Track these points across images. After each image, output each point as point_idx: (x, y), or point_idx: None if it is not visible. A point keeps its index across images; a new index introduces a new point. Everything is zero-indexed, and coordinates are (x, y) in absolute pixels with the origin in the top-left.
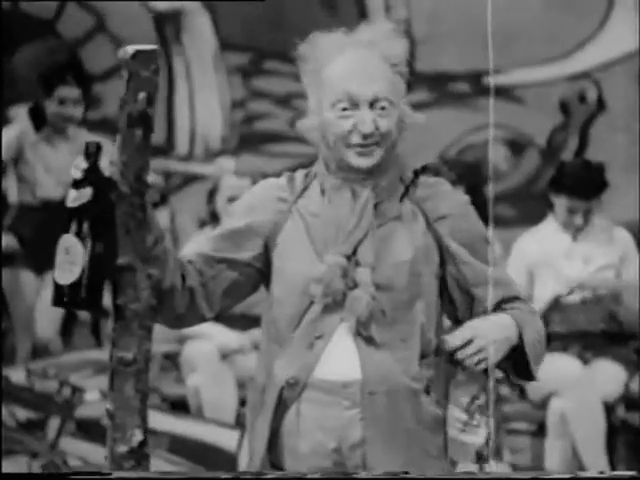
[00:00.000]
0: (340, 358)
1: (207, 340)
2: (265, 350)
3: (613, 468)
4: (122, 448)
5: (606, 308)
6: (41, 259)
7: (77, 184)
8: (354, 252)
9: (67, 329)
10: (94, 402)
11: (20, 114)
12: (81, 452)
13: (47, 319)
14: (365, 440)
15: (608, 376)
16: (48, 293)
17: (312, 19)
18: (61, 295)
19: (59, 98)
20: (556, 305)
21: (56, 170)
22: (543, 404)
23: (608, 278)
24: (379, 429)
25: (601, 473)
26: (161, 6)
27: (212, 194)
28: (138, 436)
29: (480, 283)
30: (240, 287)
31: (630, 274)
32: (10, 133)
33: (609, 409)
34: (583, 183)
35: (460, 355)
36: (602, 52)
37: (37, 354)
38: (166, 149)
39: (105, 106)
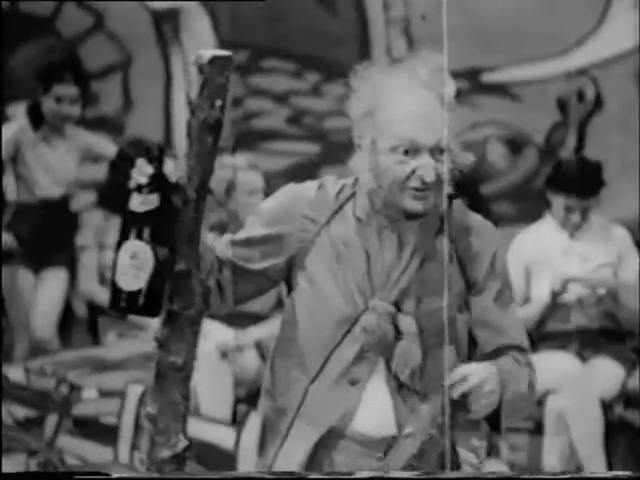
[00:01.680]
0: (376, 410)
1: (206, 338)
2: (283, 369)
3: (610, 466)
4: (165, 453)
5: (604, 306)
6: (39, 258)
7: (141, 188)
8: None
9: (65, 327)
10: (91, 400)
11: (18, 112)
12: (78, 450)
13: (45, 317)
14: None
15: (606, 374)
16: (45, 291)
17: (310, 17)
18: (118, 299)
19: (56, 96)
20: (554, 303)
21: (54, 169)
22: (541, 402)
23: (606, 276)
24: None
25: (604, 473)
26: (159, 5)
27: (228, 192)
28: (183, 442)
29: (486, 327)
30: (254, 294)
31: (628, 272)
32: (8, 131)
33: (607, 407)
34: (580, 181)
35: (455, 392)
36: (600, 50)
37: (35, 352)
38: (164, 148)
39: (103, 105)
